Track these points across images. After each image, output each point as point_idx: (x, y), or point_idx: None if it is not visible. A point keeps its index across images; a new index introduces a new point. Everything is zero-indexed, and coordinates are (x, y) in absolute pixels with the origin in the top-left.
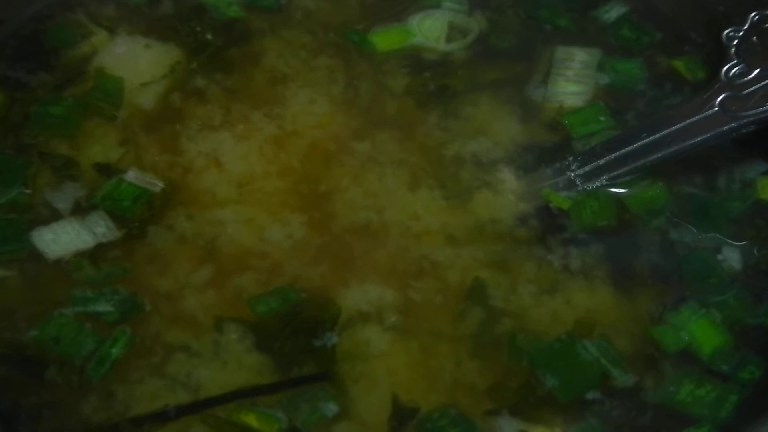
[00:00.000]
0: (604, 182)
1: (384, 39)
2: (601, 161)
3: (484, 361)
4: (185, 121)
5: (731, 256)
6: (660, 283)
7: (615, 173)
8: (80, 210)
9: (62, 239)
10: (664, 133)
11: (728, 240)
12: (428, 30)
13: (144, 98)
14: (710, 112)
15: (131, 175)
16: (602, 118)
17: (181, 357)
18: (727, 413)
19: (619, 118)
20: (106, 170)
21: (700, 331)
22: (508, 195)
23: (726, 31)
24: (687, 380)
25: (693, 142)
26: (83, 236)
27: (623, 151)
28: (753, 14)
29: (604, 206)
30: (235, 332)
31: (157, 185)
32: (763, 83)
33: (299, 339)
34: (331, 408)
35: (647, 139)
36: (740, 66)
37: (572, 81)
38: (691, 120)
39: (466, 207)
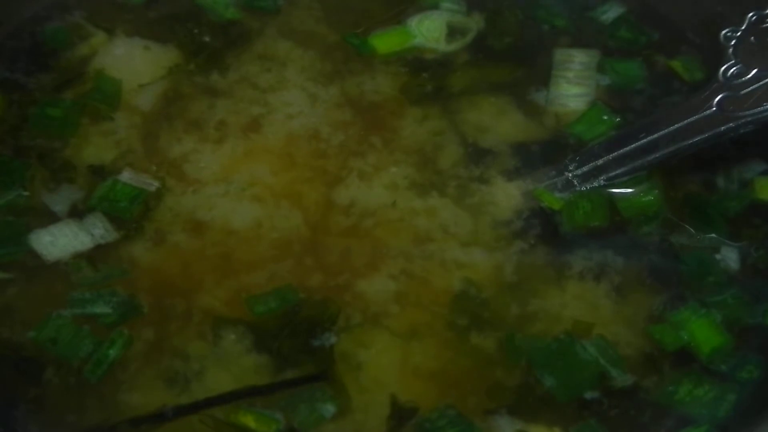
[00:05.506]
0: (602, 183)
1: (384, 41)
2: (599, 161)
3: (483, 360)
4: (183, 122)
5: (729, 256)
6: (658, 283)
7: (613, 173)
8: (78, 212)
9: (60, 241)
10: (662, 133)
11: (726, 240)
12: (427, 31)
13: (142, 99)
14: (708, 112)
15: (126, 176)
16: (605, 117)
17: (179, 358)
18: (725, 413)
19: (621, 119)
20: (100, 172)
21: (700, 330)
22: (506, 196)
23: (723, 32)
24: (685, 380)
25: (691, 142)
26: (81, 238)
27: (621, 151)
28: (750, 14)
29: (597, 207)
30: (234, 332)
31: (153, 185)
32: (761, 83)
33: (298, 339)
34: (329, 408)
35: (645, 140)
36: (738, 66)
37: (573, 83)
38: (689, 120)
39: (464, 208)
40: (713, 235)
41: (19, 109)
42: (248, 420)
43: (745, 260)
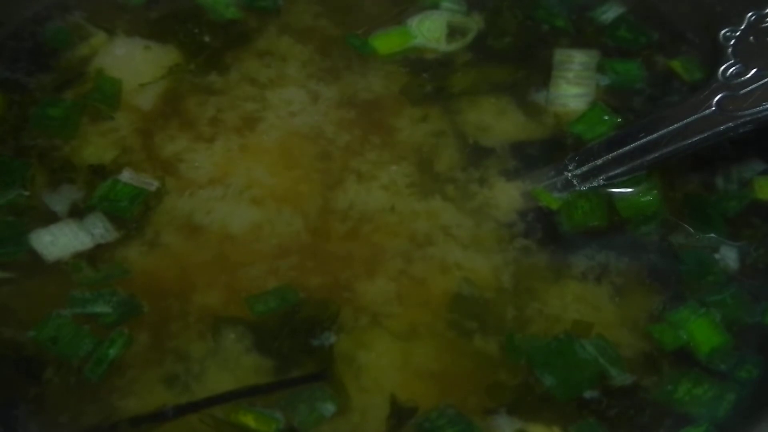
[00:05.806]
0: (601, 182)
1: (385, 42)
2: (599, 161)
3: (483, 360)
4: (183, 122)
5: (729, 256)
6: (657, 283)
7: (612, 173)
8: (78, 211)
9: (60, 241)
10: (661, 132)
11: (725, 239)
12: (428, 31)
13: (142, 99)
14: (707, 111)
15: (126, 176)
16: (606, 117)
17: (180, 357)
18: (724, 412)
19: (621, 118)
20: (100, 171)
21: (699, 330)
22: (507, 196)
23: (723, 31)
24: (685, 379)
25: (690, 141)
26: (81, 238)
27: (620, 151)
28: (750, 14)
29: (596, 207)
30: (234, 332)
31: (153, 184)
32: (760, 83)
33: (298, 339)
34: (329, 408)
35: (644, 139)
36: (737, 66)
37: (573, 83)
38: (689, 120)
39: (464, 208)
40: (712, 234)
41: (20, 109)
42: (248, 419)
43: (744, 260)
